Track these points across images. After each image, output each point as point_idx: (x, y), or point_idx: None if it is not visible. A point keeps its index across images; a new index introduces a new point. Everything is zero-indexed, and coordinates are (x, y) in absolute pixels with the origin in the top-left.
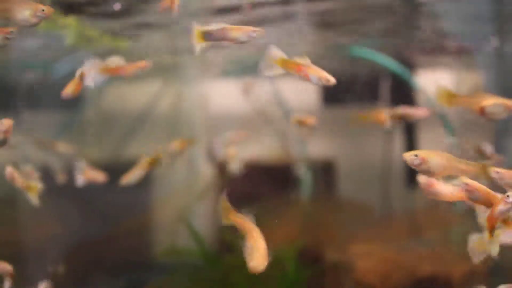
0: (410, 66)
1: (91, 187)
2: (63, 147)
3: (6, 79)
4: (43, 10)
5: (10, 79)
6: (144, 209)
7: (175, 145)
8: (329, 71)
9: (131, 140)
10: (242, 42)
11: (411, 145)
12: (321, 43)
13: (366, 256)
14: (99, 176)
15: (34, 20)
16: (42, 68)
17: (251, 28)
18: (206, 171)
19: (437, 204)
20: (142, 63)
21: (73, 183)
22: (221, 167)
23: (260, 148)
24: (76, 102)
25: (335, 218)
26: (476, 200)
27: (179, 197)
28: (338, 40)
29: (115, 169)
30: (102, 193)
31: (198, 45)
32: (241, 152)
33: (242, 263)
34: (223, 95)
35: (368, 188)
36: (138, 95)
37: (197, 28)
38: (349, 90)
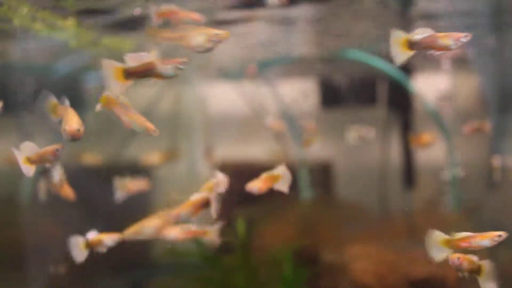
0: (407, 69)
1: (91, 187)
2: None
3: (6, 81)
4: (217, 35)
5: (10, 82)
6: (144, 209)
7: (157, 156)
8: (327, 74)
9: (131, 141)
10: (450, 50)
11: (407, 147)
12: (319, 46)
13: (362, 257)
14: (141, 185)
15: (208, 45)
16: (42, 70)
17: (460, 34)
18: (205, 172)
19: (434, 205)
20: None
21: (72, 183)
22: (219, 168)
23: (258, 149)
24: (77, 104)
25: (332, 219)
26: None
27: (177, 196)
28: (335, 43)
29: (115, 170)
30: (102, 193)
31: (403, 54)
32: (239, 153)
33: (241, 264)
34: (222, 97)
35: (366, 190)
36: (137, 97)
37: (400, 36)
38: (347, 93)
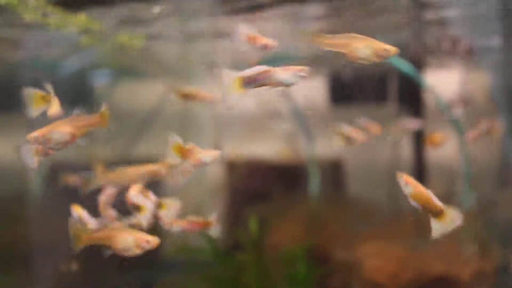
0: (419, 66)
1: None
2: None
3: (13, 78)
4: (386, 50)
5: (17, 78)
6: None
7: (157, 168)
8: (336, 70)
9: (140, 139)
10: None
11: (419, 143)
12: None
13: (375, 255)
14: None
15: (375, 59)
16: (49, 66)
17: None
18: (214, 169)
19: (446, 203)
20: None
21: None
22: (230, 166)
23: (269, 147)
24: (85, 101)
25: (343, 217)
26: None
27: (187, 194)
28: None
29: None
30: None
31: None
32: (250, 151)
33: (253, 262)
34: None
35: (376, 187)
36: (147, 94)
37: None
38: (357, 89)
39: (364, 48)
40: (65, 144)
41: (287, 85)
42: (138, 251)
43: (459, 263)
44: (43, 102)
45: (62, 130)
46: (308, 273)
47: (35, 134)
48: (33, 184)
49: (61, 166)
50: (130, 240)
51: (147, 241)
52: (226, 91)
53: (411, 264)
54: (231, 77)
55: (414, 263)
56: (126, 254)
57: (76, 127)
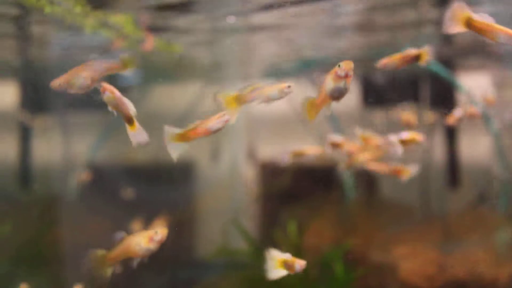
0: (451, 67)
1: (134, 186)
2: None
3: (47, 81)
4: None
5: (50, 81)
6: (187, 205)
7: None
8: (370, 73)
9: None
10: None
11: (452, 145)
12: (361, 45)
13: (410, 258)
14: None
15: None
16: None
17: None
18: (247, 171)
19: (479, 206)
20: None
21: (117, 181)
22: (263, 167)
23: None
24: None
25: (378, 219)
26: None
27: (221, 196)
28: (378, 41)
29: (158, 169)
30: (146, 192)
31: None
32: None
33: None
34: None
35: (410, 189)
36: (181, 96)
37: None
38: (389, 92)
39: None
40: (86, 88)
41: None
42: None
43: (495, 265)
44: (181, 140)
45: (83, 75)
46: (346, 274)
47: (58, 81)
48: (69, 185)
49: (96, 166)
50: None
51: None
52: None
53: (446, 266)
54: None
55: (449, 265)
56: None
57: (96, 71)
